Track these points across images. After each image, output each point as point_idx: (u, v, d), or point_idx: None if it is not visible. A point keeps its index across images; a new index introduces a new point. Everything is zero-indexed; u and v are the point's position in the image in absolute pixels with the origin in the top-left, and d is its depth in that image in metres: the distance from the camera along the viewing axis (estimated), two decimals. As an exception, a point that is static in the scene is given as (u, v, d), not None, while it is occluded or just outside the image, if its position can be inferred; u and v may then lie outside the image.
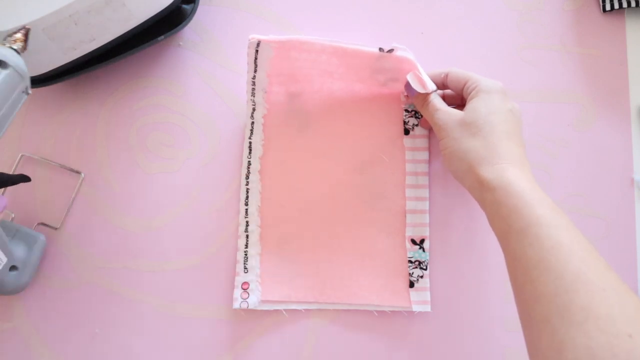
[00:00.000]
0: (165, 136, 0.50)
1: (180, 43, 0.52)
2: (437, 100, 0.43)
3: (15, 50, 0.36)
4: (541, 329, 0.31)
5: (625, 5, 0.50)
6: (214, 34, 0.52)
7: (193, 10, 0.49)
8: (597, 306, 0.29)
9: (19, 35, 0.38)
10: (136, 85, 0.51)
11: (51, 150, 0.50)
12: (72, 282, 0.47)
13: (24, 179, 0.44)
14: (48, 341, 0.46)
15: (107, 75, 0.51)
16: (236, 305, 0.46)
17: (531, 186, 0.36)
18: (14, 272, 0.43)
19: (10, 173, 0.48)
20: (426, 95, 0.43)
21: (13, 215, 0.48)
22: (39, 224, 0.48)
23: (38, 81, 0.48)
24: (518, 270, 0.34)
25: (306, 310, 0.46)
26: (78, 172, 0.49)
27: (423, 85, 0.42)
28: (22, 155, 0.49)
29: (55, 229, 0.48)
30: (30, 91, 0.38)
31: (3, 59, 0.34)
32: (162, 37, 0.48)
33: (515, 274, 0.34)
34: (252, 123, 0.48)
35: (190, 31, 0.52)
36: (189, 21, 0.49)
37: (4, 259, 0.41)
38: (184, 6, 0.50)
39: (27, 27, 0.39)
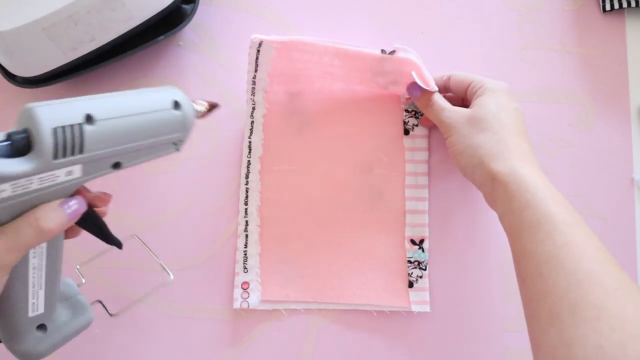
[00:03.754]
0: (165, 136, 0.50)
1: (180, 43, 0.52)
2: (441, 100, 0.43)
3: (196, 108, 0.35)
4: (549, 324, 0.30)
5: (625, 5, 0.50)
6: (214, 34, 0.52)
7: (193, 10, 0.49)
8: (610, 305, 0.29)
9: (205, 104, 0.37)
10: (136, 86, 0.51)
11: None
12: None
13: (118, 245, 0.38)
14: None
15: (107, 75, 0.51)
16: (236, 305, 0.46)
17: (544, 183, 0.36)
18: (39, 333, 0.34)
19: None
20: (430, 96, 0.43)
21: (84, 281, 0.42)
22: (97, 301, 0.42)
23: (38, 81, 0.48)
24: (527, 265, 0.33)
25: (306, 310, 0.47)
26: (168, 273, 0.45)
27: (428, 83, 0.42)
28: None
29: (111, 315, 0.44)
30: (180, 149, 0.36)
31: (180, 102, 0.33)
32: (162, 37, 0.48)
33: (524, 269, 0.34)
34: (252, 122, 0.48)
35: (190, 31, 0.52)
36: (189, 21, 0.49)
37: (40, 309, 0.33)
38: (184, 6, 0.50)
39: (218, 105, 0.38)
